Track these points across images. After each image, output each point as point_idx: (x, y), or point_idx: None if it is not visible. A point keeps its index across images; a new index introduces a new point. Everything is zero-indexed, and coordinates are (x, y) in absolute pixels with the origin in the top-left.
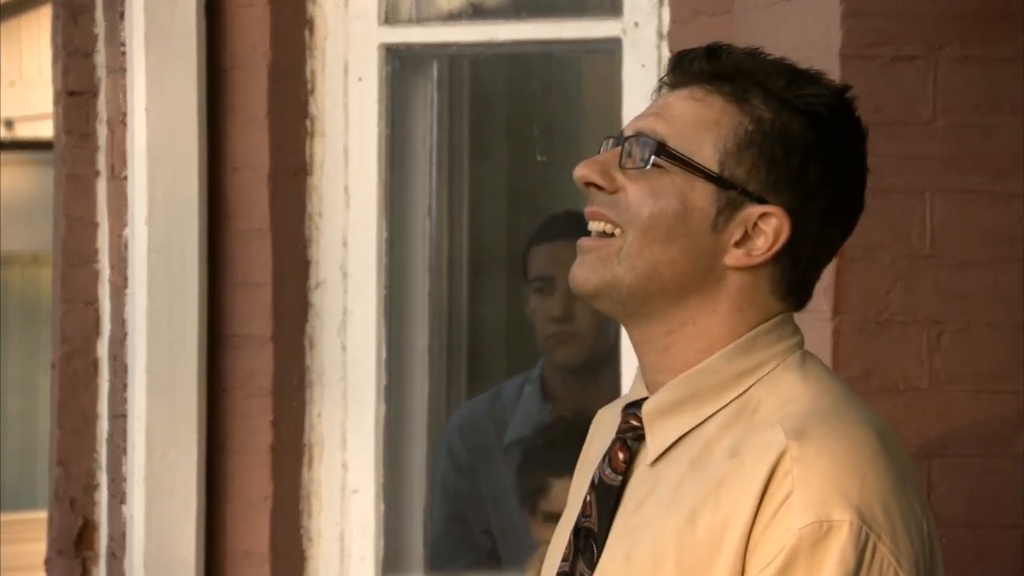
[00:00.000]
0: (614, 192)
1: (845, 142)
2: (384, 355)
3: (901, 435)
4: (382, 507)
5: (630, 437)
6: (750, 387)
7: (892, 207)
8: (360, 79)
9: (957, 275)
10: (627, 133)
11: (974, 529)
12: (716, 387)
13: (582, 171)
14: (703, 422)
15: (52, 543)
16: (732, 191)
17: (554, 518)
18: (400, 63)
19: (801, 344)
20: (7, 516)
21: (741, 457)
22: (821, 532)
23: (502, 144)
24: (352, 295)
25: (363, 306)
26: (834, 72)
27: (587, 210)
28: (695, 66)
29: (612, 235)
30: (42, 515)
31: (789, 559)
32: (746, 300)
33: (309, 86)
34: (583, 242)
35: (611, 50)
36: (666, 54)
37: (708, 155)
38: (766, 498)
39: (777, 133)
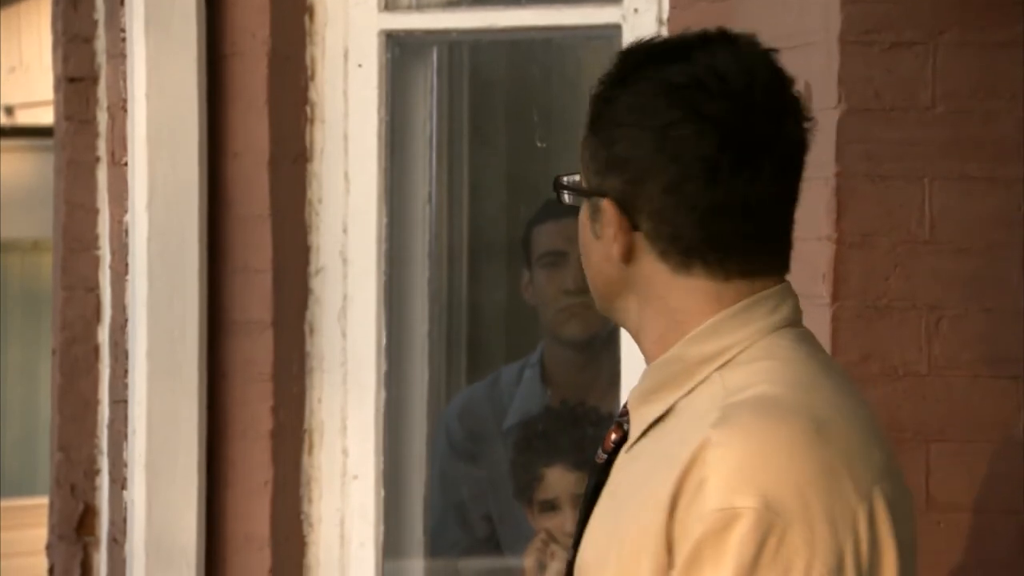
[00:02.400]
0: None
1: (645, 104)
2: (384, 341)
3: (899, 420)
4: (382, 493)
5: (625, 421)
6: (713, 372)
7: (891, 193)
8: (360, 65)
9: (956, 261)
10: None
11: (973, 514)
12: (681, 374)
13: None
14: (670, 408)
15: (53, 528)
16: (588, 196)
17: (550, 507)
18: (400, 49)
19: (781, 324)
20: (8, 502)
21: (678, 447)
22: (726, 519)
23: (502, 131)
24: (352, 281)
25: (363, 292)
26: (833, 58)
27: None
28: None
29: None
30: (43, 501)
31: (697, 547)
32: (658, 286)
33: (309, 72)
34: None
35: (611, 36)
36: None
37: (584, 176)
38: (684, 486)
39: (592, 126)
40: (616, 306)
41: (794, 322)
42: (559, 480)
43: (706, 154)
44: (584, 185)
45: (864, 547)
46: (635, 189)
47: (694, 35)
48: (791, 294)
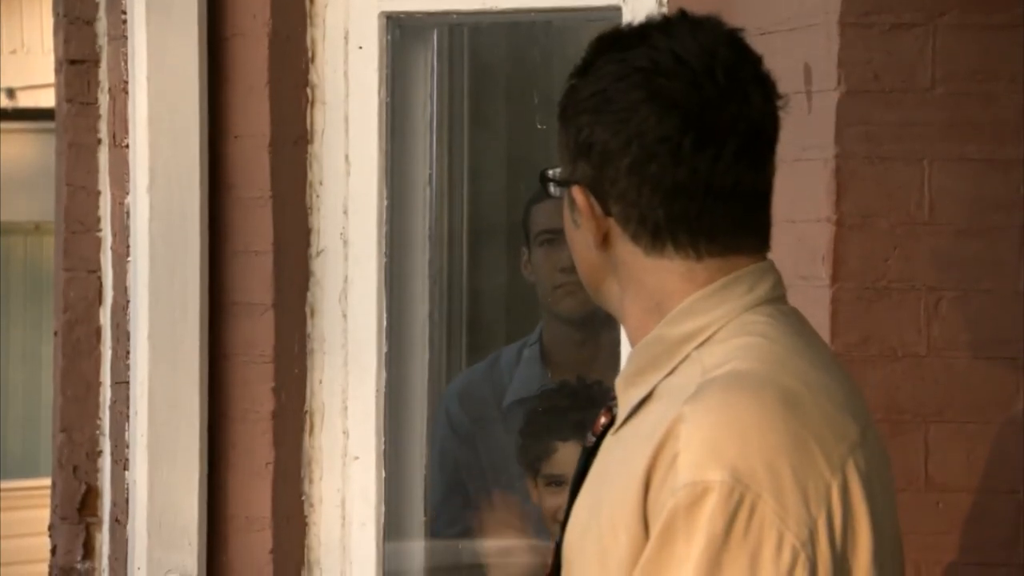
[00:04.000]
0: None
1: (607, 89)
2: (385, 323)
3: (898, 402)
4: (383, 473)
5: (614, 405)
6: (692, 351)
7: (891, 175)
8: (360, 47)
9: (955, 242)
10: None
11: (971, 494)
12: (662, 355)
13: None
14: (652, 390)
15: (55, 509)
16: (566, 184)
17: (556, 481)
18: (400, 31)
19: (759, 301)
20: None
21: (657, 426)
22: (696, 493)
23: (502, 113)
24: (353, 263)
25: (364, 274)
26: (833, 39)
27: None
28: None
29: None
30: (45, 482)
31: (669, 521)
32: (635, 269)
33: (310, 54)
34: None
35: (611, 18)
36: None
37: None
38: (658, 462)
39: (561, 116)
40: (602, 292)
41: (773, 299)
42: (572, 456)
43: (667, 135)
44: (560, 176)
45: (838, 520)
46: (602, 174)
47: (657, 20)
48: (771, 272)
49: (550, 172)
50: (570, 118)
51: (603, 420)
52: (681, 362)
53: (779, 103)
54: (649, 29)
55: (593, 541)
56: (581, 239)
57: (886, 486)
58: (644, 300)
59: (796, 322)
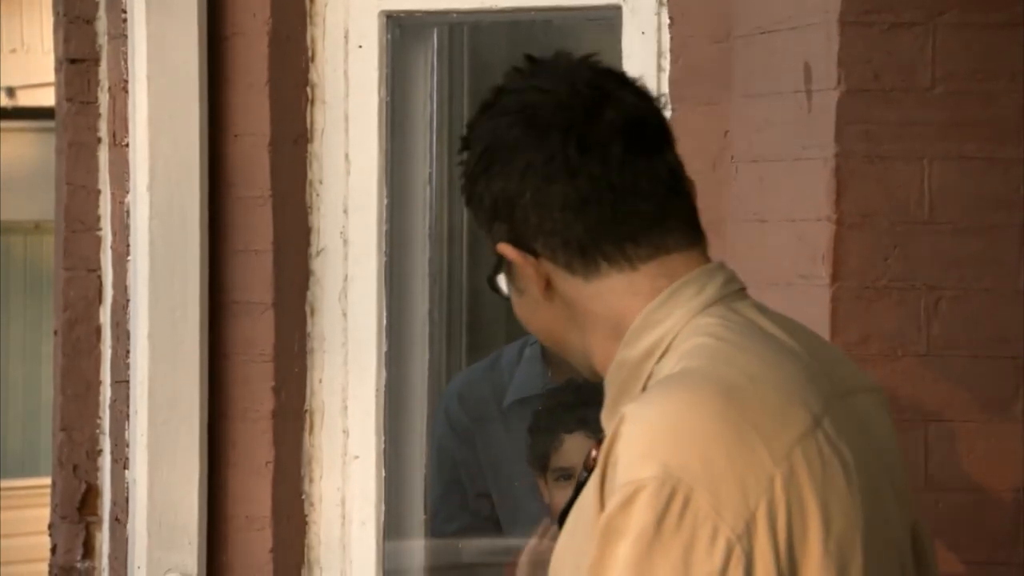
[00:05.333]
0: None
1: (488, 145)
2: (384, 322)
3: (898, 401)
4: (383, 472)
5: (604, 437)
6: (654, 367)
7: (890, 174)
8: (360, 46)
9: (955, 241)
10: None
11: (971, 493)
12: (629, 378)
13: None
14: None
15: (55, 508)
16: (499, 259)
17: (564, 475)
18: (400, 30)
19: (710, 302)
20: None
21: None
22: (630, 492)
23: None
24: (353, 262)
25: (364, 273)
26: (832, 38)
27: None
28: None
29: None
30: (45, 481)
31: (606, 522)
32: (583, 301)
33: (310, 53)
34: None
35: (611, 17)
36: (666, 21)
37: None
38: (608, 467)
39: (467, 202)
40: (568, 345)
41: (725, 297)
42: (579, 448)
43: (552, 154)
44: (488, 254)
45: (781, 511)
46: (514, 219)
47: (508, 77)
48: (719, 271)
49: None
50: (472, 195)
51: (594, 454)
52: (647, 380)
53: (657, 101)
54: (505, 83)
55: (570, 561)
56: (529, 303)
57: (859, 469)
58: (601, 329)
59: (752, 316)
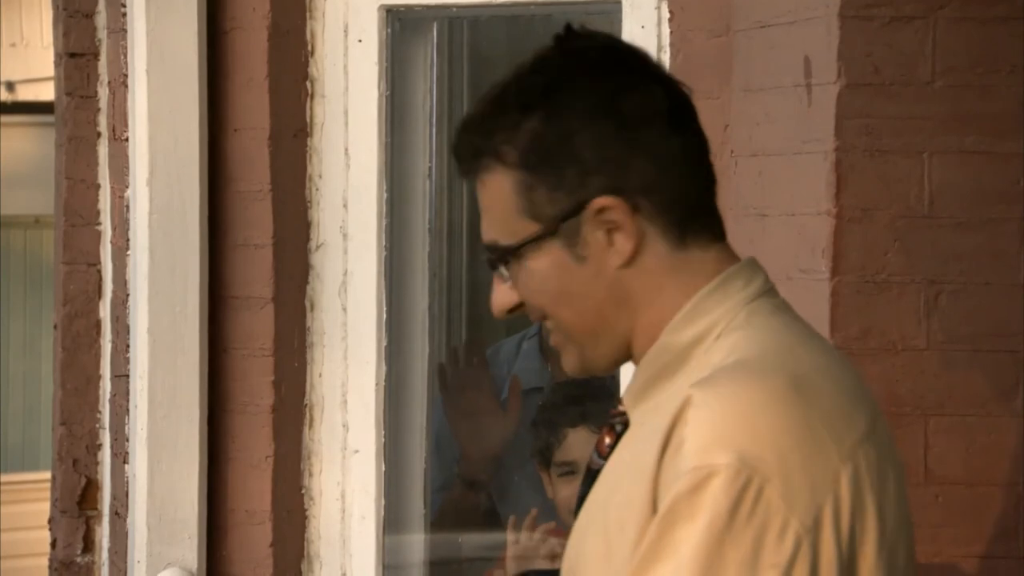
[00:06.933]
0: (523, 303)
1: (582, 98)
2: (384, 316)
3: (898, 395)
4: (383, 467)
5: (617, 422)
6: (706, 352)
7: (890, 168)
8: (360, 40)
9: (955, 235)
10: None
11: (971, 487)
12: (674, 362)
13: (493, 305)
14: (669, 396)
15: (55, 503)
16: (560, 225)
17: (568, 470)
18: (400, 24)
19: (756, 295)
20: (10, 476)
21: (662, 419)
22: (701, 476)
23: None
24: (352, 256)
25: (363, 267)
26: (833, 33)
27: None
28: (462, 160)
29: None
30: (45, 475)
31: (672, 504)
32: (654, 275)
33: (309, 47)
34: (551, 341)
35: (611, 11)
36: (665, 15)
37: (523, 224)
38: (668, 448)
39: (530, 153)
40: (606, 332)
41: (768, 292)
42: (582, 443)
43: (661, 108)
44: (544, 222)
45: (845, 508)
46: (627, 171)
47: (558, 40)
48: (760, 267)
49: (500, 243)
50: (550, 152)
51: (608, 440)
52: (692, 365)
53: None
54: (564, 42)
55: (598, 543)
56: (587, 274)
57: (899, 476)
58: (657, 309)
59: (792, 315)
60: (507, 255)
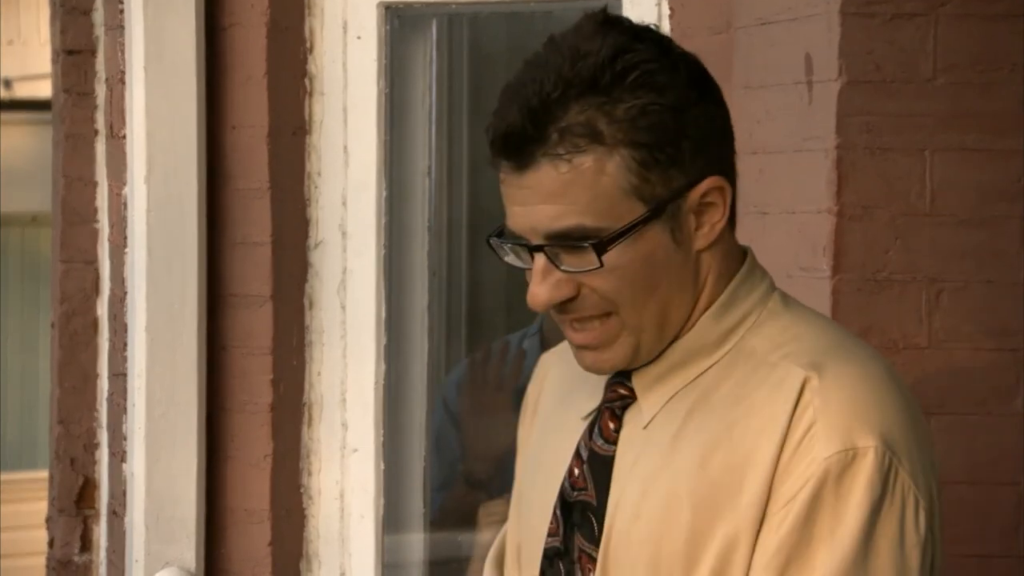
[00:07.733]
0: (579, 295)
1: (681, 75)
2: (383, 314)
3: None
4: (382, 465)
5: (618, 406)
6: (740, 339)
7: (891, 165)
8: (359, 37)
9: (956, 233)
10: (534, 240)
11: (972, 486)
12: (708, 346)
13: (543, 299)
14: (696, 378)
15: (53, 501)
16: (668, 206)
17: None
18: (399, 21)
19: (773, 284)
20: (8, 475)
21: (751, 399)
22: (847, 459)
23: None
24: (352, 254)
25: (362, 265)
26: (834, 30)
27: (563, 317)
28: (530, 143)
29: (608, 315)
30: (43, 474)
31: (817, 488)
32: (723, 261)
33: (308, 44)
34: (580, 339)
35: (610, 8)
36: (666, 12)
37: (629, 205)
38: (790, 431)
39: (644, 130)
40: (671, 322)
41: (773, 282)
42: None
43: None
44: (652, 204)
45: (936, 487)
46: (721, 153)
47: (595, 19)
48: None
49: (614, 229)
50: (677, 127)
51: (612, 425)
52: (731, 349)
53: None
54: (637, 29)
55: (684, 523)
56: (681, 258)
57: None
58: (708, 291)
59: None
60: (612, 239)
